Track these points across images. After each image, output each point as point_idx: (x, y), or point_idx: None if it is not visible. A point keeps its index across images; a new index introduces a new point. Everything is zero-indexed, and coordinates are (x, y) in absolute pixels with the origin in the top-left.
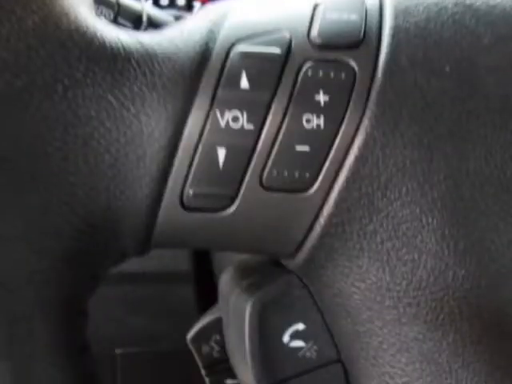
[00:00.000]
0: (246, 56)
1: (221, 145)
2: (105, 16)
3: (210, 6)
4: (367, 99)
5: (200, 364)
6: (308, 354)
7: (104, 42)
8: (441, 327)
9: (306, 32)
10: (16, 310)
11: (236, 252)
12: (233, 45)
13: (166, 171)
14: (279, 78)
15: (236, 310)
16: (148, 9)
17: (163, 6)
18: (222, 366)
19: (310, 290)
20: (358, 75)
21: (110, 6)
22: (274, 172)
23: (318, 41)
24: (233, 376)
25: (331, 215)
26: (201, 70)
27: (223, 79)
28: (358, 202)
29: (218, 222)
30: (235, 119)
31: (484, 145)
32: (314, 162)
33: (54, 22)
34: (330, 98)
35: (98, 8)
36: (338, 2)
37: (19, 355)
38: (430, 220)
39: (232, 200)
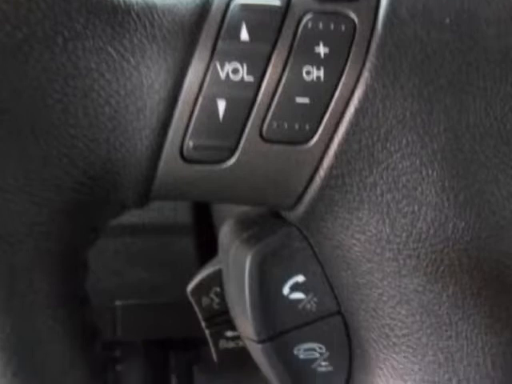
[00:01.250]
0: (246, 8)
1: (221, 97)
2: None
3: None
4: (367, 51)
5: (200, 316)
6: (308, 306)
7: None
8: (441, 279)
9: None
10: (16, 263)
11: (236, 204)
12: None
13: (166, 123)
14: (279, 30)
15: (236, 262)
16: None
17: None
18: (221, 318)
19: (310, 242)
20: (357, 27)
21: None
22: (274, 124)
23: None
24: (233, 328)
25: (331, 167)
26: (201, 22)
27: (223, 31)
28: (358, 153)
29: (217, 174)
30: (235, 71)
31: (484, 97)
32: (314, 114)
33: None
34: (330, 50)
35: None
36: None
37: (19, 308)
38: (429, 172)
39: (232, 152)
